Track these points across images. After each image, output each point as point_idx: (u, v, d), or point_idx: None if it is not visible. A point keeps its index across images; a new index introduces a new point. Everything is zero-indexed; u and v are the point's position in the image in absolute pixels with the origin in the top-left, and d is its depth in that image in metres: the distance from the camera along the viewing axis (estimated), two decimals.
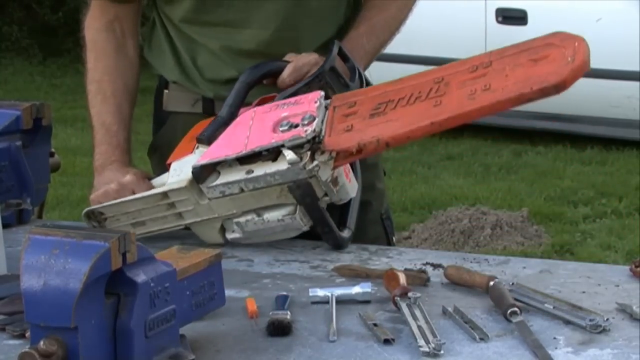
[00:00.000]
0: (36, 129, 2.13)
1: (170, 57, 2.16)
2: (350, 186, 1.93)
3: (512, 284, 1.68)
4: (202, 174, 1.88)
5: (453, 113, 1.74)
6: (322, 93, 1.91)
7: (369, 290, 1.67)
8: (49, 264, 1.30)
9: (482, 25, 7.40)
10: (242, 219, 1.90)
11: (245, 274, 1.84)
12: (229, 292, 1.60)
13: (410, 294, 1.60)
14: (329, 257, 1.91)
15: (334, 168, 1.85)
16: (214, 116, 2.01)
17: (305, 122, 1.84)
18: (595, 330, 1.53)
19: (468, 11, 7.49)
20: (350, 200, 1.97)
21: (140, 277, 1.36)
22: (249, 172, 1.85)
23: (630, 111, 7.09)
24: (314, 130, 1.83)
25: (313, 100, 1.89)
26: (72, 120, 8.44)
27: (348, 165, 1.93)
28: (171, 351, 1.41)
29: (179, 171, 1.94)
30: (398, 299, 1.60)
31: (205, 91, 2.13)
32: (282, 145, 1.83)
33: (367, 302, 1.66)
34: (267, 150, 1.85)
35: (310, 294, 1.68)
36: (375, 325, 1.55)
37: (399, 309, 1.59)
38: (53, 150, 2.27)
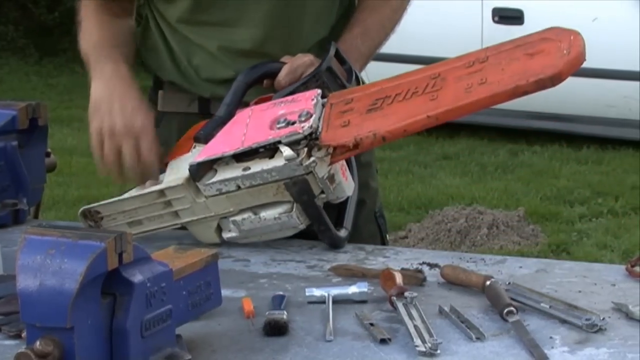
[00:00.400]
0: (32, 129, 2.13)
1: (165, 57, 2.16)
2: (347, 184, 1.93)
3: (509, 283, 1.68)
4: (199, 171, 1.89)
5: (449, 106, 1.75)
6: (319, 91, 1.92)
7: (365, 290, 1.67)
8: (44, 264, 1.30)
9: (479, 25, 7.41)
10: (238, 218, 1.90)
11: (242, 273, 1.84)
12: (225, 292, 1.60)
13: (406, 294, 1.60)
14: (326, 257, 1.91)
15: (331, 164, 1.85)
16: (211, 116, 2.02)
17: (302, 118, 1.85)
18: (592, 329, 1.53)
19: (464, 11, 7.50)
20: (347, 200, 1.97)
21: (137, 277, 1.35)
22: (246, 169, 1.85)
23: (626, 111, 7.10)
24: (311, 126, 1.83)
25: (310, 98, 1.90)
26: (68, 120, 8.44)
27: (345, 164, 1.93)
28: (167, 351, 1.41)
29: (176, 169, 1.94)
30: (394, 298, 1.60)
31: (202, 91, 2.13)
32: (279, 142, 1.84)
33: (364, 301, 1.66)
34: (264, 147, 1.85)
35: (307, 294, 1.68)
36: (371, 324, 1.55)
37: (395, 308, 1.59)
38: (49, 150, 2.27)
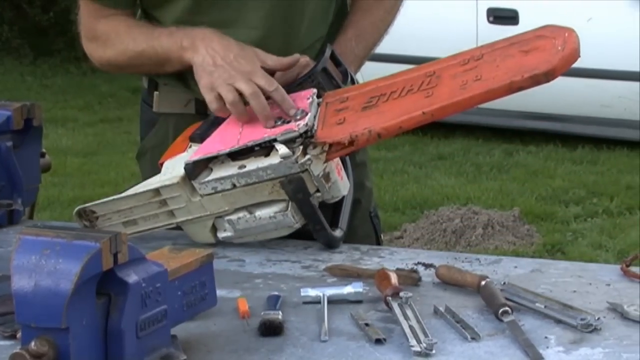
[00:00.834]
0: (27, 130, 2.13)
1: None
2: (342, 184, 1.94)
3: (504, 283, 1.68)
4: (194, 170, 1.89)
5: (445, 102, 1.76)
6: (315, 90, 1.93)
7: (360, 290, 1.67)
8: (39, 265, 1.30)
9: (474, 25, 7.41)
10: (233, 217, 1.91)
11: (237, 274, 1.84)
12: (220, 293, 1.60)
13: (401, 294, 1.60)
14: (321, 257, 1.91)
15: (326, 161, 1.86)
16: (207, 117, 2.02)
17: (298, 117, 1.85)
18: (587, 329, 1.53)
19: (459, 11, 7.50)
20: (342, 200, 1.97)
21: (132, 277, 1.35)
22: (242, 167, 1.85)
23: (621, 111, 7.11)
24: (307, 124, 1.84)
25: (305, 97, 1.91)
26: (63, 120, 8.44)
27: (340, 164, 1.94)
28: (162, 351, 1.40)
29: (171, 169, 1.94)
30: (390, 298, 1.60)
31: (199, 93, 2.13)
32: (275, 140, 1.84)
33: (359, 302, 1.66)
34: (260, 145, 1.86)
35: (302, 294, 1.68)
36: (366, 325, 1.55)
37: (390, 308, 1.59)
38: (44, 150, 2.26)
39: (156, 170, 1.99)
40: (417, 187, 6.39)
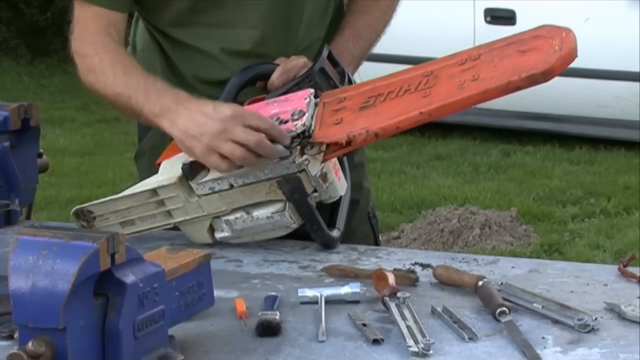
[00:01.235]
0: (24, 130, 2.13)
1: (159, 60, 2.15)
2: (340, 184, 1.94)
3: (501, 283, 1.68)
4: (191, 170, 1.89)
5: (442, 102, 1.76)
6: (312, 90, 1.93)
7: (358, 290, 1.67)
8: (37, 265, 1.30)
9: (471, 25, 7.41)
10: (231, 217, 1.91)
11: (234, 274, 1.84)
12: (217, 293, 1.60)
13: (399, 294, 1.60)
14: (318, 258, 1.91)
15: (324, 161, 1.86)
16: None
17: (295, 117, 1.86)
18: (584, 329, 1.53)
19: (457, 11, 7.50)
20: (339, 201, 1.97)
21: (129, 277, 1.35)
22: (239, 167, 1.85)
23: (618, 111, 7.10)
24: (304, 124, 1.84)
25: (303, 97, 1.91)
26: (60, 120, 8.43)
27: (337, 164, 1.94)
28: (160, 352, 1.40)
29: (169, 169, 1.94)
30: (387, 299, 1.60)
31: (198, 93, 2.12)
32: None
33: (356, 302, 1.66)
34: None
35: (299, 294, 1.68)
36: (364, 325, 1.55)
37: (387, 309, 1.59)
38: (41, 150, 2.26)
39: (154, 171, 1.99)
40: (415, 188, 6.39)
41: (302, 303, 1.67)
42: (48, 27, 11.02)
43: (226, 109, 1.84)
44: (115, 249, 1.33)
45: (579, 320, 1.54)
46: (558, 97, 6.87)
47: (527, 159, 7.06)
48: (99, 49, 2.02)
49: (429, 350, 1.46)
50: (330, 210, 1.98)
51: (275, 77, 2.01)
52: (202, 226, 1.94)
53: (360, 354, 1.48)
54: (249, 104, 2.00)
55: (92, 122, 8.51)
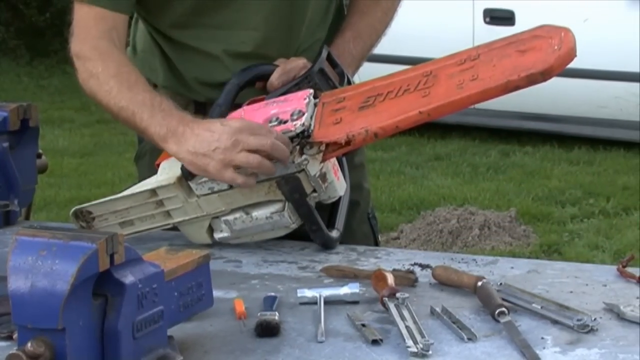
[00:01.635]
0: (23, 130, 2.13)
1: (159, 62, 2.14)
2: (339, 184, 1.94)
3: (500, 284, 1.68)
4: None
5: (441, 102, 1.76)
6: (311, 90, 1.93)
7: (357, 290, 1.67)
8: (36, 266, 1.30)
9: (470, 25, 7.41)
10: (230, 217, 1.91)
11: (234, 274, 1.84)
12: (217, 293, 1.60)
13: (398, 295, 1.60)
14: (317, 258, 1.91)
15: (323, 161, 1.86)
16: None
17: (295, 117, 1.86)
18: (583, 330, 1.53)
19: (456, 12, 7.50)
20: (339, 201, 1.97)
21: (128, 278, 1.35)
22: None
23: (617, 111, 7.11)
24: (303, 124, 1.84)
25: (302, 98, 1.91)
26: (59, 121, 8.43)
27: (337, 164, 1.94)
28: (159, 352, 1.40)
29: (168, 169, 1.94)
30: (386, 299, 1.60)
31: (197, 95, 2.12)
32: None
33: (356, 302, 1.66)
34: None
35: (299, 295, 1.68)
36: (363, 325, 1.55)
37: (387, 309, 1.59)
38: (40, 151, 2.26)
39: (154, 172, 1.99)
40: (414, 188, 6.39)
41: (301, 303, 1.67)
42: (47, 28, 11.02)
43: (233, 122, 1.84)
44: (114, 250, 1.33)
45: (578, 320, 1.54)
46: (557, 97, 6.88)
47: (526, 160, 7.06)
48: (103, 56, 1.98)
49: (428, 351, 1.46)
50: (329, 210, 1.98)
51: (275, 78, 2.01)
52: (201, 226, 1.94)
53: (359, 354, 1.48)
54: (248, 104, 2.00)
55: (91, 122, 8.51)
